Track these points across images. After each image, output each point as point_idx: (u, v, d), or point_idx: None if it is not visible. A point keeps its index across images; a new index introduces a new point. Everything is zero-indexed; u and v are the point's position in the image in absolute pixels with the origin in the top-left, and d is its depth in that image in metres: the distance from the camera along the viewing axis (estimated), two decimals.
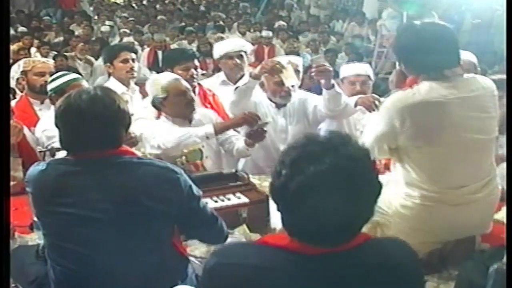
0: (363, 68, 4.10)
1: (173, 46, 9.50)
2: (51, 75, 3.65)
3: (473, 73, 2.96)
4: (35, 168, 2.09)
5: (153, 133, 3.31)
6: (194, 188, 2.10)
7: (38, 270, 2.19)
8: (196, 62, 4.01)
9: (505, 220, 2.45)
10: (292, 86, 3.67)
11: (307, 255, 1.44)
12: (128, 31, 10.68)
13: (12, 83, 6.58)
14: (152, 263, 2.02)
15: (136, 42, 9.79)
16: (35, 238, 2.57)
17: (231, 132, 3.55)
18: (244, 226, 2.71)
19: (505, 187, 2.57)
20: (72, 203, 1.98)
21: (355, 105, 3.75)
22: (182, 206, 2.04)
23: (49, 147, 3.04)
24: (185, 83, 3.44)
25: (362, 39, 10.55)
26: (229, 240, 2.42)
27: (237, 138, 3.51)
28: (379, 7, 11.37)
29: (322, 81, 3.59)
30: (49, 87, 3.44)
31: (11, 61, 7.78)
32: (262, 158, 3.78)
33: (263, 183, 3.11)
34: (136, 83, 4.41)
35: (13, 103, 4.11)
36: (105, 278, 1.98)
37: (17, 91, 6.27)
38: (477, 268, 2.05)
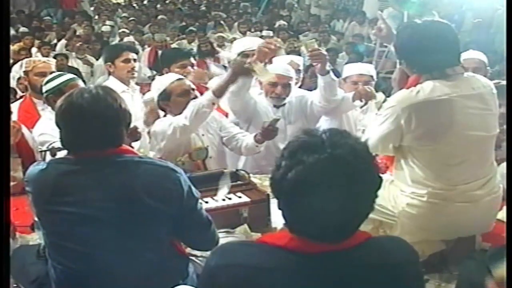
0: (366, 68, 4.10)
1: (174, 45, 9.50)
2: None
3: (483, 73, 2.98)
4: (35, 168, 2.09)
5: (167, 122, 3.34)
6: (193, 188, 2.10)
7: (39, 270, 2.19)
8: (193, 60, 4.05)
9: (505, 220, 2.46)
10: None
11: (307, 254, 1.44)
12: (128, 31, 10.68)
13: (13, 83, 6.60)
14: (152, 262, 2.02)
15: (136, 42, 9.81)
16: (36, 238, 2.57)
17: (236, 130, 3.56)
18: (245, 226, 2.71)
19: (505, 187, 2.57)
20: (73, 202, 1.98)
21: (353, 100, 3.76)
22: (181, 206, 2.04)
23: (49, 146, 3.04)
24: (188, 83, 3.45)
25: (363, 38, 10.54)
26: (229, 239, 2.43)
27: (244, 135, 3.52)
28: (380, 6, 11.36)
29: (317, 66, 3.60)
30: (45, 88, 3.43)
31: (11, 61, 7.84)
32: (263, 157, 3.78)
33: (264, 182, 3.11)
34: (136, 83, 4.42)
35: (17, 103, 4.13)
36: (106, 277, 1.99)
37: (18, 91, 6.31)
38: (478, 267, 2.04)
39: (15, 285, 2.31)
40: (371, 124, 2.67)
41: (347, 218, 1.42)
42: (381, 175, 1.51)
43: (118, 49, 4.33)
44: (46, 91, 3.43)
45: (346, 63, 6.04)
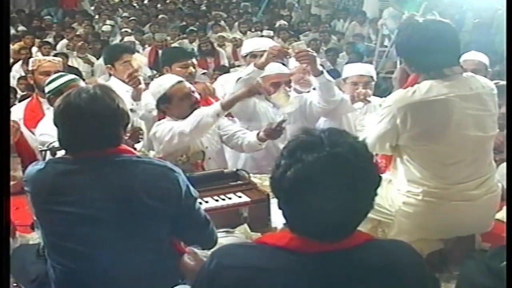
0: (367, 69, 4.09)
1: (174, 45, 9.49)
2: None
3: (483, 74, 2.97)
4: (34, 168, 2.09)
5: (167, 126, 3.32)
6: (192, 188, 2.10)
7: (39, 269, 2.19)
8: (194, 61, 4.03)
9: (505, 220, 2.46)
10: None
11: (307, 254, 1.44)
12: (129, 31, 10.68)
13: (13, 83, 6.61)
14: (152, 262, 2.02)
15: (137, 42, 9.80)
16: (36, 237, 2.57)
17: (236, 128, 3.55)
18: (245, 226, 2.71)
19: (505, 187, 2.57)
20: (71, 202, 1.98)
21: (352, 102, 3.76)
22: (180, 205, 2.04)
23: (50, 146, 3.04)
24: (188, 85, 3.44)
25: (363, 38, 10.54)
26: (229, 239, 2.42)
27: (244, 133, 3.50)
28: (380, 6, 11.36)
29: (308, 68, 3.59)
30: (47, 88, 3.44)
31: (12, 60, 7.85)
32: (263, 157, 3.78)
33: (264, 182, 3.11)
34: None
35: (25, 102, 4.14)
36: (105, 277, 1.98)
37: (18, 91, 6.31)
38: (478, 267, 2.05)
39: (15, 285, 2.32)
40: (369, 123, 2.68)
41: (346, 216, 1.43)
42: (380, 174, 1.51)
43: (117, 51, 4.29)
44: (48, 92, 3.43)
45: (347, 63, 6.04)
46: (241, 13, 13.28)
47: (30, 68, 4.13)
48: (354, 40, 10.21)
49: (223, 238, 2.35)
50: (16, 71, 7.69)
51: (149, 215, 1.98)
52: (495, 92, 2.50)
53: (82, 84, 3.45)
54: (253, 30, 11.35)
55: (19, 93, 6.28)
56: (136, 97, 3.54)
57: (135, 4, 15.99)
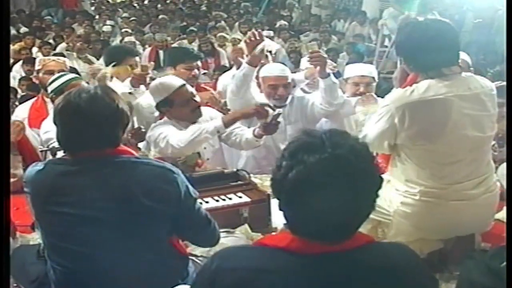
0: (368, 70, 4.09)
1: (174, 45, 9.49)
2: None
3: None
4: (33, 169, 2.09)
5: (162, 132, 3.30)
6: (191, 188, 2.10)
7: (39, 270, 2.19)
8: (199, 63, 4.02)
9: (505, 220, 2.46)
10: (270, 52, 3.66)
11: (308, 255, 1.44)
12: (129, 31, 10.68)
13: (14, 83, 6.61)
14: (151, 262, 2.02)
15: (137, 42, 9.80)
16: (37, 238, 2.57)
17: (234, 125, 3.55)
18: (246, 226, 2.71)
19: (505, 187, 2.57)
20: (70, 203, 1.98)
21: (355, 106, 3.75)
22: (179, 206, 2.03)
23: (50, 146, 3.04)
24: (190, 89, 3.44)
25: (364, 38, 10.54)
26: (230, 239, 2.43)
27: (242, 129, 3.50)
28: (381, 6, 11.37)
29: (317, 69, 3.59)
30: (50, 88, 3.46)
31: (12, 60, 7.85)
32: (263, 157, 3.79)
33: (265, 182, 3.11)
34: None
35: (30, 102, 4.16)
36: (105, 277, 1.98)
37: (19, 91, 6.32)
38: (478, 267, 2.05)
39: (15, 285, 2.32)
40: (369, 122, 2.68)
41: (348, 217, 1.42)
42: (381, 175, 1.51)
43: (119, 54, 4.27)
44: (51, 91, 3.45)
45: (347, 63, 6.03)
46: (241, 13, 13.27)
47: (36, 67, 4.15)
48: (355, 40, 10.21)
49: (224, 238, 2.35)
50: (17, 71, 7.69)
51: (148, 215, 1.98)
52: (494, 92, 2.49)
53: (83, 83, 3.46)
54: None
55: (20, 94, 6.28)
56: (135, 84, 3.53)
57: (135, 5, 15.99)
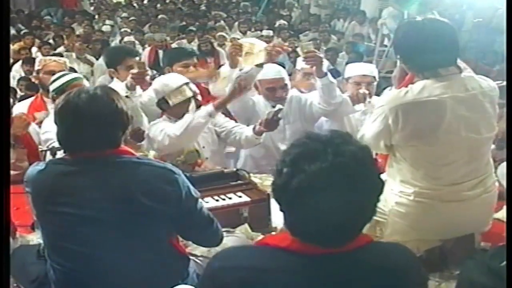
0: (369, 69, 4.08)
1: (174, 45, 9.49)
2: None
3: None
4: (34, 168, 2.09)
5: (159, 127, 3.34)
6: (192, 189, 2.10)
7: (39, 270, 2.19)
8: (195, 60, 4.03)
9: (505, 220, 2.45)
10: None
11: (308, 255, 1.44)
12: (129, 31, 10.68)
13: (13, 83, 6.61)
14: (152, 262, 2.02)
15: (137, 42, 9.80)
16: (37, 238, 2.57)
17: (232, 124, 3.55)
18: (246, 226, 2.71)
19: (505, 187, 2.57)
20: (71, 203, 1.98)
21: (353, 103, 3.76)
22: (180, 206, 2.03)
23: (50, 146, 3.04)
24: (193, 88, 3.45)
25: (363, 38, 10.55)
26: (230, 239, 2.42)
27: (241, 128, 3.50)
28: (380, 6, 11.37)
29: (314, 69, 3.59)
30: (51, 87, 3.47)
31: (12, 60, 7.85)
32: (262, 157, 3.79)
33: (264, 182, 3.11)
34: None
35: (28, 100, 4.16)
36: (105, 278, 1.99)
37: (18, 91, 6.32)
38: (478, 267, 2.05)
39: (15, 285, 2.32)
40: (366, 122, 2.67)
41: (349, 223, 1.43)
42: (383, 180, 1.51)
43: (119, 55, 4.26)
44: (52, 91, 3.45)
45: (347, 63, 6.04)
46: (240, 13, 13.28)
47: (36, 67, 4.15)
48: (354, 40, 10.21)
49: (225, 238, 2.34)
50: (16, 71, 7.69)
51: (149, 216, 1.98)
52: (495, 93, 2.46)
53: (85, 83, 3.47)
54: (253, 30, 11.35)
55: (19, 94, 6.28)
56: (131, 87, 3.54)
57: (134, 4, 16.00)
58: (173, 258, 2.11)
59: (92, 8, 14.96)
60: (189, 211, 2.08)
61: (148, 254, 2.02)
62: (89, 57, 8.92)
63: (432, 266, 2.44)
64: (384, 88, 4.14)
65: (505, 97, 2.52)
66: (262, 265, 1.46)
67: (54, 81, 3.46)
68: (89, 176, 2.00)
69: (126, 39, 9.71)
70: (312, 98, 3.81)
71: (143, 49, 9.46)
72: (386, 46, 9.50)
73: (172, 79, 3.51)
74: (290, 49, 3.68)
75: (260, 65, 3.55)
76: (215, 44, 9.35)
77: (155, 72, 5.88)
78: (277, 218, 2.71)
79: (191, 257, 2.27)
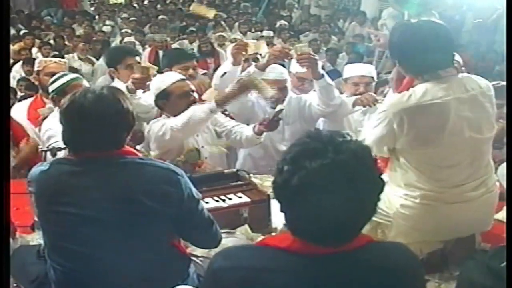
0: (368, 70, 4.08)
1: (174, 45, 9.50)
2: None
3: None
4: (38, 168, 2.10)
5: (160, 124, 3.34)
6: (194, 190, 2.10)
7: (39, 270, 2.19)
8: (195, 62, 4.03)
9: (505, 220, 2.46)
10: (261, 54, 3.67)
11: (309, 256, 1.44)
12: (129, 31, 10.68)
13: (14, 83, 6.61)
14: (153, 263, 2.02)
15: (137, 42, 9.80)
16: (37, 238, 2.57)
17: (232, 123, 3.55)
18: (246, 226, 2.71)
19: (505, 187, 2.57)
20: (73, 203, 1.98)
21: (353, 106, 3.75)
22: (181, 208, 2.03)
23: (50, 146, 3.05)
24: (189, 84, 3.45)
25: (363, 38, 10.54)
26: (230, 240, 2.42)
27: (241, 127, 3.50)
28: (380, 6, 11.37)
29: (309, 71, 3.58)
30: (51, 88, 3.46)
31: (12, 61, 7.85)
32: (262, 158, 3.79)
33: (264, 182, 3.11)
34: None
35: (28, 101, 4.16)
36: (105, 278, 1.98)
37: (18, 92, 6.32)
38: (478, 267, 2.05)
39: (15, 285, 2.32)
40: (366, 125, 2.67)
41: (350, 222, 1.43)
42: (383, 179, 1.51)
43: (119, 55, 4.26)
44: (52, 92, 3.45)
45: (346, 63, 6.03)
46: (241, 14, 13.28)
47: (35, 68, 4.15)
48: (354, 41, 10.21)
49: (225, 239, 2.35)
50: (16, 71, 7.69)
51: (150, 216, 1.98)
52: (492, 93, 2.46)
53: (85, 83, 3.46)
54: (253, 30, 11.35)
55: (19, 94, 6.27)
56: (131, 90, 3.54)
57: (135, 5, 16.01)
58: (174, 258, 2.12)
59: (92, 8, 14.96)
60: (190, 212, 2.08)
61: (148, 254, 2.02)
62: (89, 57, 8.92)
63: (432, 267, 2.44)
64: (378, 88, 4.12)
65: (504, 97, 2.53)
66: (263, 265, 1.46)
67: (53, 82, 3.45)
68: (92, 177, 2.00)
69: (126, 39, 9.70)
70: (311, 99, 3.81)
71: (144, 50, 9.47)
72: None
73: (170, 74, 3.53)
74: (292, 51, 3.64)
75: (262, 68, 3.56)
76: (215, 45, 9.35)
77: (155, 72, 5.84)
78: (277, 219, 2.71)
79: (191, 258, 2.27)
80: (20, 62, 7.86)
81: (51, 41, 9.91)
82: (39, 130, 3.61)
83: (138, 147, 3.43)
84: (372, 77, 4.00)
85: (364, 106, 3.71)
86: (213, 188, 2.87)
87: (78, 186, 1.99)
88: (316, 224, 1.40)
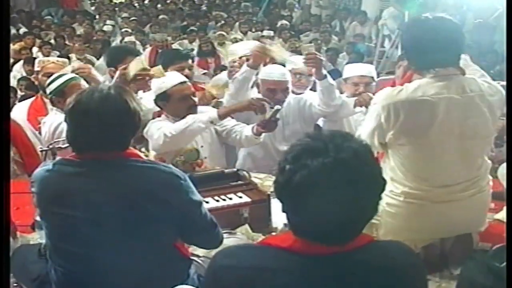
0: (367, 69, 4.08)
1: (175, 45, 9.50)
2: None
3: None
4: (41, 169, 2.09)
5: (157, 125, 3.34)
6: (196, 194, 2.08)
7: (40, 269, 2.19)
8: (190, 62, 4.03)
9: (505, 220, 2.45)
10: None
11: (310, 256, 1.44)
12: (129, 31, 10.68)
13: (14, 83, 6.61)
14: (154, 265, 2.02)
15: (138, 42, 9.80)
16: (37, 238, 2.57)
17: (233, 122, 3.54)
18: (246, 226, 2.71)
19: (505, 187, 2.56)
20: (75, 205, 1.97)
21: (354, 106, 3.75)
22: (183, 211, 2.02)
23: (50, 146, 3.04)
24: (190, 87, 3.45)
25: (364, 38, 10.55)
26: (231, 240, 2.42)
27: (241, 126, 3.49)
28: (381, 6, 11.37)
29: (313, 71, 3.59)
30: (48, 90, 3.43)
31: (12, 60, 7.85)
32: (262, 158, 3.79)
33: (265, 182, 3.11)
34: None
35: (28, 101, 4.15)
36: (107, 280, 1.98)
37: (18, 91, 6.32)
38: (478, 267, 2.05)
39: (15, 284, 2.32)
40: (363, 122, 2.67)
41: (351, 221, 1.43)
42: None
43: (119, 54, 4.25)
44: (49, 93, 3.43)
45: (347, 63, 6.03)
46: (241, 13, 13.28)
47: (35, 68, 4.14)
48: (355, 40, 10.21)
49: (226, 239, 2.34)
50: (17, 71, 7.69)
51: (152, 219, 1.97)
52: (497, 97, 2.40)
53: (83, 82, 3.45)
54: (253, 30, 11.35)
55: (19, 94, 6.28)
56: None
57: (135, 4, 16.00)
58: (174, 260, 2.11)
59: (93, 8, 14.96)
60: (192, 216, 2.06)
61: (149, 256, 2.01)
62: (89, 57, 8.92)
63: (432, 266, 2.44)
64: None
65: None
66: (263, 264, 1.46)
67: (50, 83, 3.42)
68: (94, 179, 1.99)
69: (127, 39, 9.71)
70: (312, 99, 3.81)
71: (144, 49, 9.47)
72: (385, 47, 9.49)
73: (172, 76, 3.51)
74: (271, 49, 3.67)
75: (254, 67, 3.56)
76: (216, 44, 9.35)
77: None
78: (278, 218, 2.71)
79: (192, 258, 2.27)
80: (21, 62, 7.86)
81: (52, 41, 9.92)
82: (39, 132, 3.59)
83: (137, 147, 3.43)
84: (372, 77, 4.00)
85: (361, 106, 3.72)
86: (213, 187, 2.87)
87: (79, 187, 1.98)
88: (318, 223, 1.41)
